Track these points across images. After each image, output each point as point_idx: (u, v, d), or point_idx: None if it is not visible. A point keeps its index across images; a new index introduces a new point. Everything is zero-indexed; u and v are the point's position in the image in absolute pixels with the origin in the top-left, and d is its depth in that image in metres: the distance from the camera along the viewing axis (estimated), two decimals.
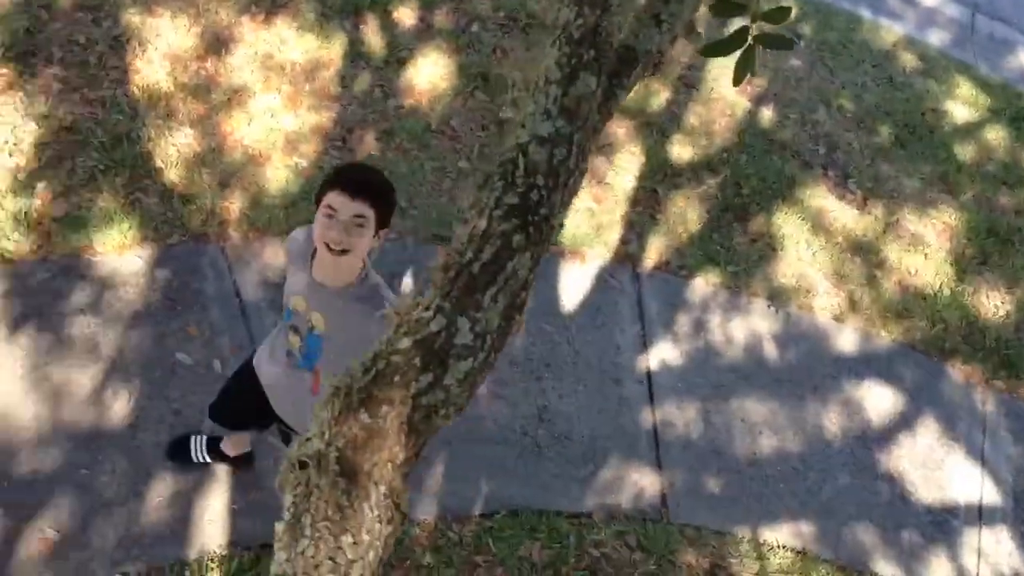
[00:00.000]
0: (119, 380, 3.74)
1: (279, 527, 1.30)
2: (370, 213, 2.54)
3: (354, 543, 1.27)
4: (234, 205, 4.36)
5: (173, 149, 4.46)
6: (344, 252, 2.55)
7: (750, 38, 1.99)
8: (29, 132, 4.30)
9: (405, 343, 1.36)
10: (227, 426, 3.40)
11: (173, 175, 4.38)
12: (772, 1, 2.15)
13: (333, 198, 2.53)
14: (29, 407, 3.59)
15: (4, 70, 4.45)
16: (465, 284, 1.43)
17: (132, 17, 4.84)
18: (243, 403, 3.20)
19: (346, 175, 2.63)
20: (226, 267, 4.14)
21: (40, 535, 3.35)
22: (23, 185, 4.13)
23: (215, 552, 3.47)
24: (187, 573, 3.41)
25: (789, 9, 2.00)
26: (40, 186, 4.15)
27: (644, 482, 4.14)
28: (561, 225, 1.61)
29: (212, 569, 3.43)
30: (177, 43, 4.85)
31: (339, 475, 1.28)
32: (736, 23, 1.92)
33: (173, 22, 4.90)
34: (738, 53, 2.04)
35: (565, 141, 1.56)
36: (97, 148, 4.34)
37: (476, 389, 1.42)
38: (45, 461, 3.50)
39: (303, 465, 1.29)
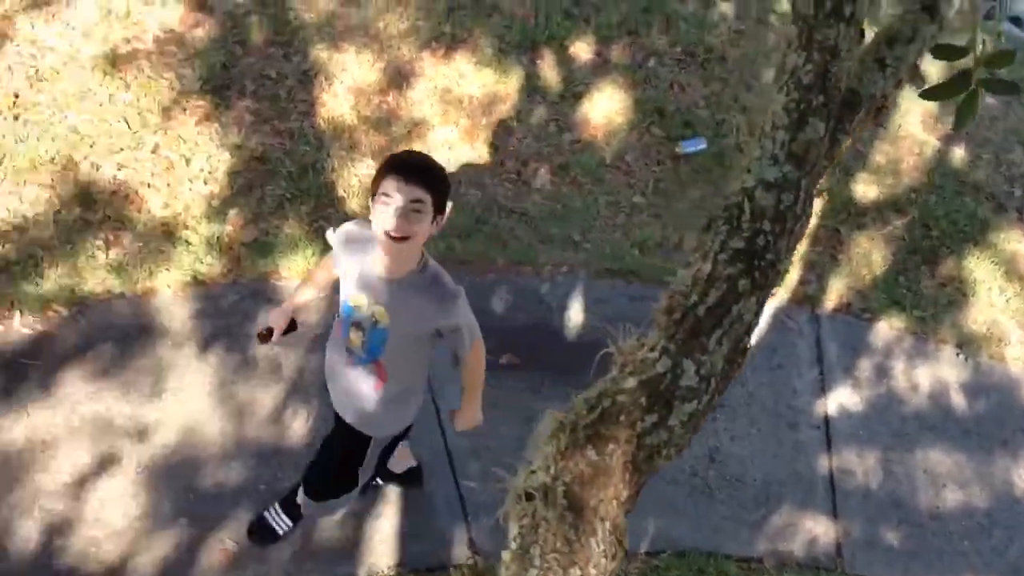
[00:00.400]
0: (299, 400, 3.86)
1: (506, 555, 1.32)
2: (427, 197, 2.49)
3: None
4: None
5: (355, 180, 4.60)
6: (404, 239, 2.51)
7: (974, 82, 1.90)
8: (223, 161, 4.51)
9: (631, 383, 1.36)
10: None
11: (355, 204, 4.51)
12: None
13: (388, 185, 2.48)
14: (215, 423, 3.75)
15: (201, 102, 4.70)
16: (691, 327, 1.43)
17: (320, 53, 5.04)
18: None
19: (398, 161, 2.58)
20: None
21: (221, 546, 3.48)
22: (216, 211, 4.34)
23: (384, 572, 3.53)
24: None
25: (1014, 53, 1.89)
26: (232, 213, 4.35)
27: (818, 530, 3.98)
28: (786, 271, 1.58)
29: None
30: (361, 77, 5.01)
31: (566, 509, 1.28)
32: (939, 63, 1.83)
33: (358, 57, 5.07)
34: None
35: (792, 186, 1.54)
36: (285, 177, 4.52)
37: (698, 431, 1.40)
38: (228, 475, 3.64)
39: (529, 497, 1.30)
